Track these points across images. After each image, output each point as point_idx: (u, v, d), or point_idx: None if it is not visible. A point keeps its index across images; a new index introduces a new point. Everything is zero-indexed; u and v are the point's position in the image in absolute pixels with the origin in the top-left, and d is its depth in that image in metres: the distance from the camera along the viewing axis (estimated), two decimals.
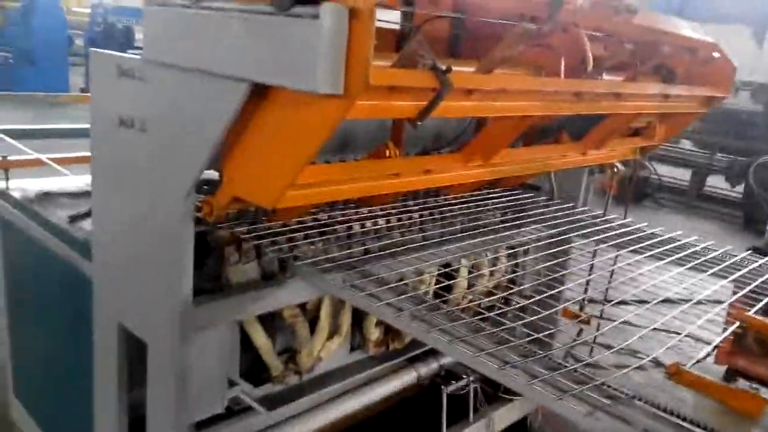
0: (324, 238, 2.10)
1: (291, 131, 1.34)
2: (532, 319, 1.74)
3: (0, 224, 2.69)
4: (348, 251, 2.10)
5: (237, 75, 1.35)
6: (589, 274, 2.44)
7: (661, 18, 2.16)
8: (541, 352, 1.41)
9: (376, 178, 1.68)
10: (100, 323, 2.03)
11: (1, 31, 14.28)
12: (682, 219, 9.58)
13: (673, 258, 2.30)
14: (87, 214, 2.22)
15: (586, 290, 2.51)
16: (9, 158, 2.73)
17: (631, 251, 2.42)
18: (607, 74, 2.13)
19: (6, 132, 3.01)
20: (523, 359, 1.38)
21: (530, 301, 1.91)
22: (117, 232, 1.90)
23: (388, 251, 2.18)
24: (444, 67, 1.33)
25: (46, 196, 2.56)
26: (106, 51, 1.78)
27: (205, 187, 1.94)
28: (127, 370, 1.99)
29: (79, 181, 2.67)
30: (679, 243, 2.47)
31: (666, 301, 1.98)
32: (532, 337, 1.60)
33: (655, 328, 1.79)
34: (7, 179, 2.66)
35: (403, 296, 1.71)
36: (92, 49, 1.84)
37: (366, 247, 2.19)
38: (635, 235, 2.56)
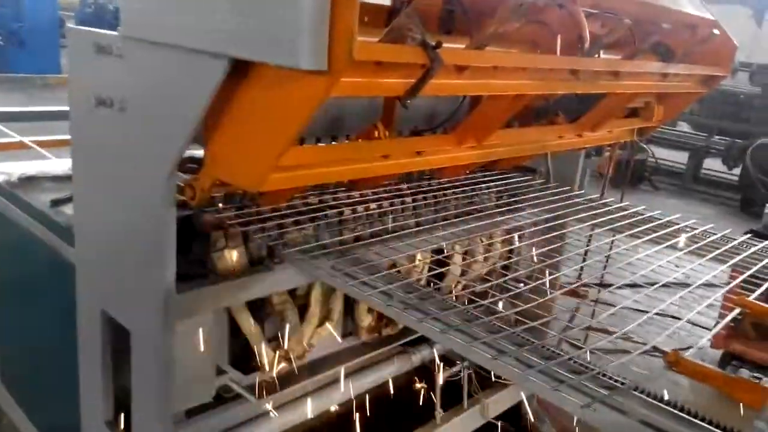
0: (314, 223, 2.04)
1: (273, 110, 1.27)
2: (526, 306, 1.69)
3: None
4: (339, 237, 2.05)
5: (216, 50, 1.28)
6: (584, 259, 2.39)
7: None
8: (533, 340, 1.36)
9: (364, 160, 1.61)
10: (84, 310, 1.98)
11: None
12: (678, 202, 9.56)
13: (671, 242, 2.25)
14: (69, 199, 2.16)
15: (580, 275, 2.47)
16: None
17: (629, 235, 2.38)
18: (604, 53, 2.07)
19: None
20: (517, 348, 1.33)
21: (525, 288, 1.87)
22: (98, 216, 1.84)
23: (379, 237, 2.13)
24: (434, 43, 1.26)
25: (29, 180, 2.50)
26: (83, 27, 1.70)
27: (191, 165, 1.88)
28: (112, 356, 1.94)
29: (63, 164, 2.59)
30: (677, 226, 2.42)
31: (663, 285, 1.94)
32: (527, 326, 1.55)
33: (652, 313, 1.75)
34: None
35: (395, 283, 1.66)
36: (69, 26, 1.76)
37: (357, 233, 2.13)
38: (632, 219, 2.51)
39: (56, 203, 2.21)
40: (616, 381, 1.26)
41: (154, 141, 1.53)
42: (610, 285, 2.08)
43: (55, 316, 2.28)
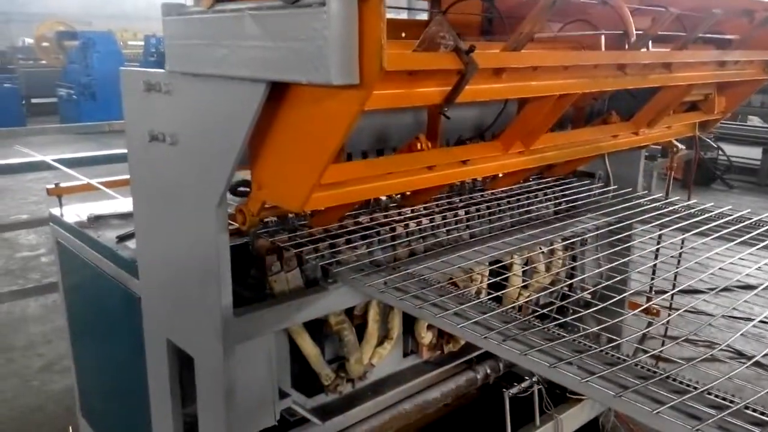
0: (367, 241, 2.04)
1: (311, 129, 1.29)
2: (589, 311, 1.62)
3: (57, 249, 2.77)
4: (392, 253, 2.04)
5: (254, 76, 1.32)
6: (654, 262, 2.28)
7: None
8: (596, 347, 1.30)
9: (408, 173, 1.60)
10: (150, 340, 2.04)
11: (63, 69, 15.12)
12: (756, 199, 9.04)
13: (743, 238, 2.12)
14: (133, 234, 2.24)
15: (652, 279, 2.35)
16: (62, 185, 2.81)
17: (698, 234, 2.25)
18: (656, 45, 1.99)
19: (60, 161, 3.12)
20: (577, 355, 1.27)
21: (588, 291, 1.79)
22: (158, 247, 1.90)
23: (434, 251, 2.11)
24: (467, 47, 1.24)
25: (97, 219, 2.61)
26: (134, 68, 1.78)
27: (242, 188, 1.92)
28: (180, 385, 1.99)
29: (129, 202, 2.71)
30: (749, 221, 2.28)
31: (744, 286, 1.82)
32: (595, 334, 1.48)
33: (732, 316, 1.64)
34: (60, 205, 2.73)
35: (449, 296, 1.63)
36: (121, 68, 1.85)
37: (411, 248, 2.12)
38: (701, 217, 2.38)
39: (122, 239, 2.30)
40: (688, 386, 1.18)
41: (203, 170, 1.58)
42: (684, 289, 1.97)
43: (126, 348, 2.37)
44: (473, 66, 1.25)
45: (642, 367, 1.23)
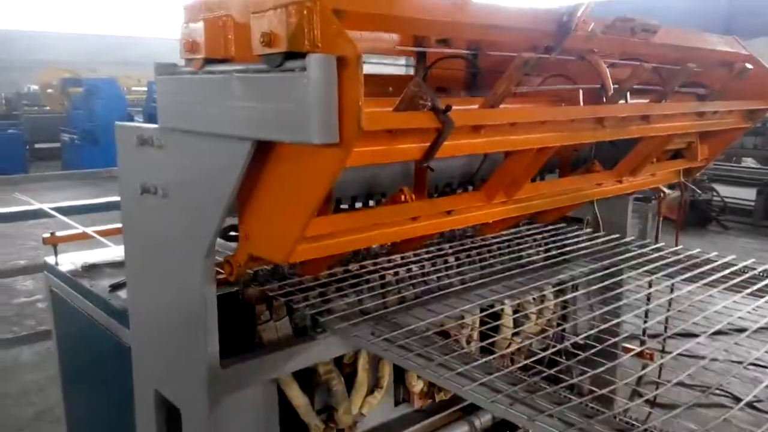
0: (357, 289, 2.06)
1: (295, 184, 1.33)
2: (580, 357, 1.63)
3: (51, 297, 2.78)
4: (382, 301, 2.06)
5: (240, 134, 1.37)
6: (646, 309, 2.29)
7: (686, 34, 2.08)
8: (576, 399, 1.31)
9: (394, 224, 1.64)
10: (139, 391, 2.04)
11: (67, 114, 15.39)
12: (751, 241, 9.06)
13: (729, 284, 2.14)
14: (125, 283, 2.26)
15: (644, 324, 2.37)
16: (58, 233, 2.85)
17: (686, 280, 2.28)
18: (638, 97, 2.06)
19: (57, 209, 3.16)
20: (557, 407, 1.28)
21: (581, 336, 1.80)
22: (148, 298, 1.92)
23: (423, 298, 2.12)
24: (443, 106, 1.29)
25: (91, 268, 2.64)
26: (128, 123, 1.84)
27: (232, 233, 1.95)
28: None
29: (122, 251, 2.74)
30: (735, 268, 2.30)
31: (719, 332, 1.83)
32: (588, 380, 1.49)
33: (720, 359, 1.66)
34: (56, 254, 2.76)
35: (434, 346, 1.64)
36: (117, 123, 1.91)
37: (401, 295, 2.13)
38: (687, 263, 2.41)
39: (114, 288, 2.32)
40: None
41: (192, 222, 1.61)
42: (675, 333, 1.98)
43: (116, 398, 2.36)
44: (450, 124, 1.30)
45: (620, 420, 1.24)
